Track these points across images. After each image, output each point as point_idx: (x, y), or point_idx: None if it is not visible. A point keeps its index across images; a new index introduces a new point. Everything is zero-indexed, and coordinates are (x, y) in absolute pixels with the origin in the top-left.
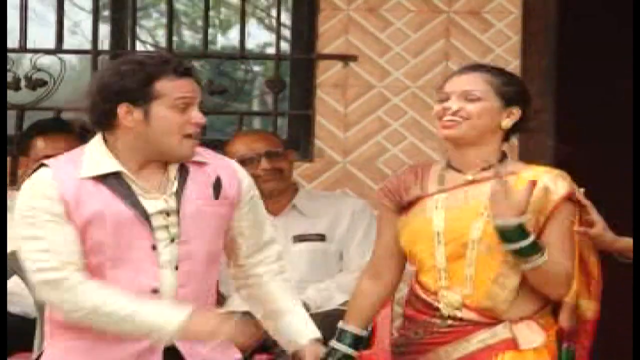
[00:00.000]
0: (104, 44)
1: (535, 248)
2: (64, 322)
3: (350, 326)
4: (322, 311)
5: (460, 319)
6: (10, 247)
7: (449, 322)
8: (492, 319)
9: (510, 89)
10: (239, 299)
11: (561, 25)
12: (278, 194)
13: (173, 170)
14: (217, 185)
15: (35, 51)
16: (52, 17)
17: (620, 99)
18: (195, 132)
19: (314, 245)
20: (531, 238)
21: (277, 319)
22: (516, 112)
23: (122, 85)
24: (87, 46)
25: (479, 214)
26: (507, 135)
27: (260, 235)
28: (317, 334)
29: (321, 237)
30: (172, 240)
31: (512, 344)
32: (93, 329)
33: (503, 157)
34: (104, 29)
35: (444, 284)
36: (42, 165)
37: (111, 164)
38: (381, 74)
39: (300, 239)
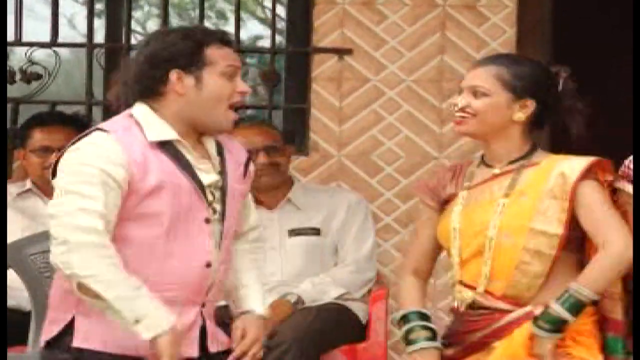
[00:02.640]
0: (99, 36)
1: (575, 309)
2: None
3: (411, 307)
4: (316, 305)
5: (488, 308)
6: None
7: (480, 311)
8: (519, 305)
9: (522, 82)
10: None
11: (556, 18)
12: (273, 188)
13: (211, 145)
14: (247, 164)
15: (30, 44)
16: (47, 10)
17: (616, 92)
18: (240, 102)
19: (309, 239)
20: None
21: (237, 290)
22: (530, 104)
23: (172, 51)
24: (82, 39)
25: (496, 206)
26: (535, 125)
27: (249, 217)
28: (262, 311)
29: (316, 231)
30: (219, 216)
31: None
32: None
33: (533, 148)
34: (99, 22)
35: (457, 279)
36: (96, 129)
37: (170, 131)
38: (376, 67)
39: (295, 232)
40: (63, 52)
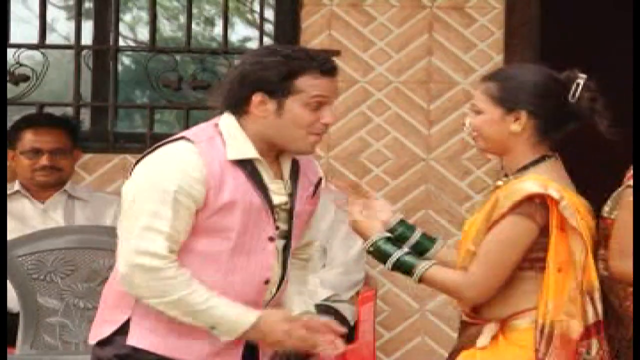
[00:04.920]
0: (86, 38)
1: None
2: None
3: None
4: None
5: (464, 321)
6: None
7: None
8: (470, 317)
9: (510, 95)
10: None
11: (544, 19)
12: None
13: (287, 166)
14: (317, 185)
15: (18, 46)
16: (35, 12)
17: (604, 93)
18: (322, 131)
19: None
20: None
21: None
22: (522, 116)
23: (261, 76)
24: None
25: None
26: (547, 133)
27: (310, 234)
28: (310, 307)
29: None
30: (283, 235)
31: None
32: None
33: (537, 161)
34: (87, 24)
35: None
36: (182, 138)
37: (251, 150)
38: (364, 69)
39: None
40: (51, 54)
